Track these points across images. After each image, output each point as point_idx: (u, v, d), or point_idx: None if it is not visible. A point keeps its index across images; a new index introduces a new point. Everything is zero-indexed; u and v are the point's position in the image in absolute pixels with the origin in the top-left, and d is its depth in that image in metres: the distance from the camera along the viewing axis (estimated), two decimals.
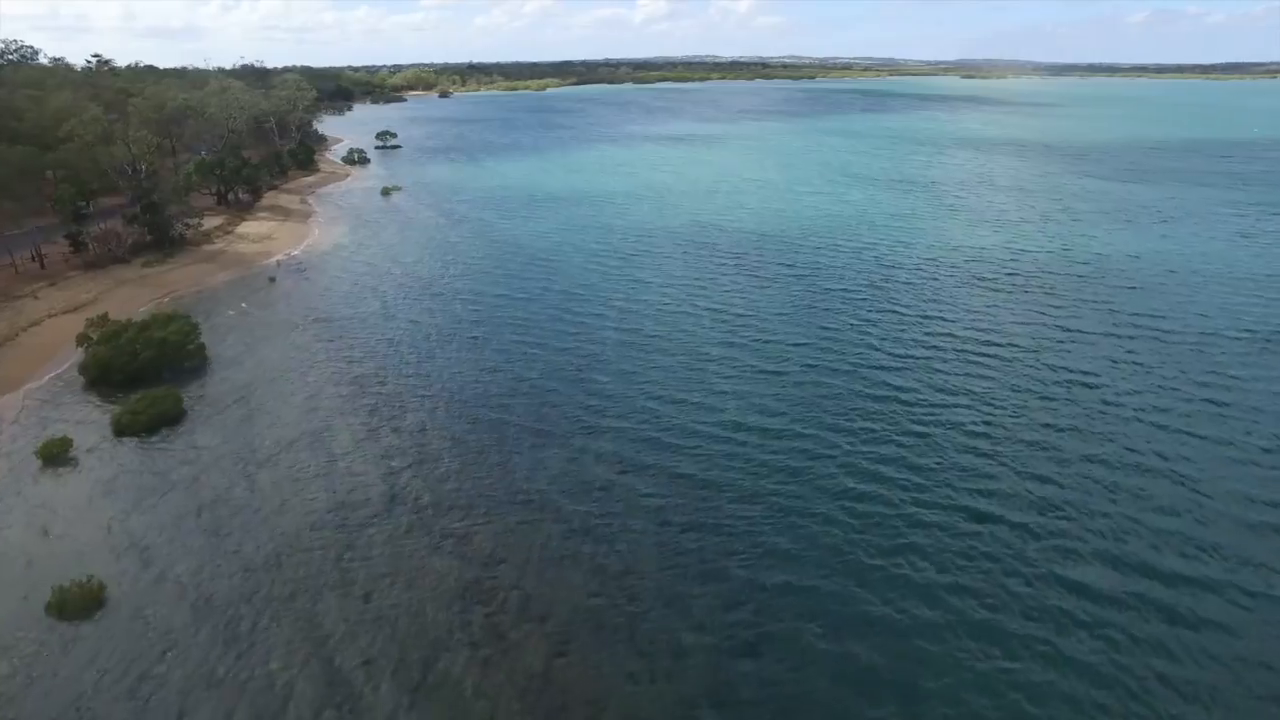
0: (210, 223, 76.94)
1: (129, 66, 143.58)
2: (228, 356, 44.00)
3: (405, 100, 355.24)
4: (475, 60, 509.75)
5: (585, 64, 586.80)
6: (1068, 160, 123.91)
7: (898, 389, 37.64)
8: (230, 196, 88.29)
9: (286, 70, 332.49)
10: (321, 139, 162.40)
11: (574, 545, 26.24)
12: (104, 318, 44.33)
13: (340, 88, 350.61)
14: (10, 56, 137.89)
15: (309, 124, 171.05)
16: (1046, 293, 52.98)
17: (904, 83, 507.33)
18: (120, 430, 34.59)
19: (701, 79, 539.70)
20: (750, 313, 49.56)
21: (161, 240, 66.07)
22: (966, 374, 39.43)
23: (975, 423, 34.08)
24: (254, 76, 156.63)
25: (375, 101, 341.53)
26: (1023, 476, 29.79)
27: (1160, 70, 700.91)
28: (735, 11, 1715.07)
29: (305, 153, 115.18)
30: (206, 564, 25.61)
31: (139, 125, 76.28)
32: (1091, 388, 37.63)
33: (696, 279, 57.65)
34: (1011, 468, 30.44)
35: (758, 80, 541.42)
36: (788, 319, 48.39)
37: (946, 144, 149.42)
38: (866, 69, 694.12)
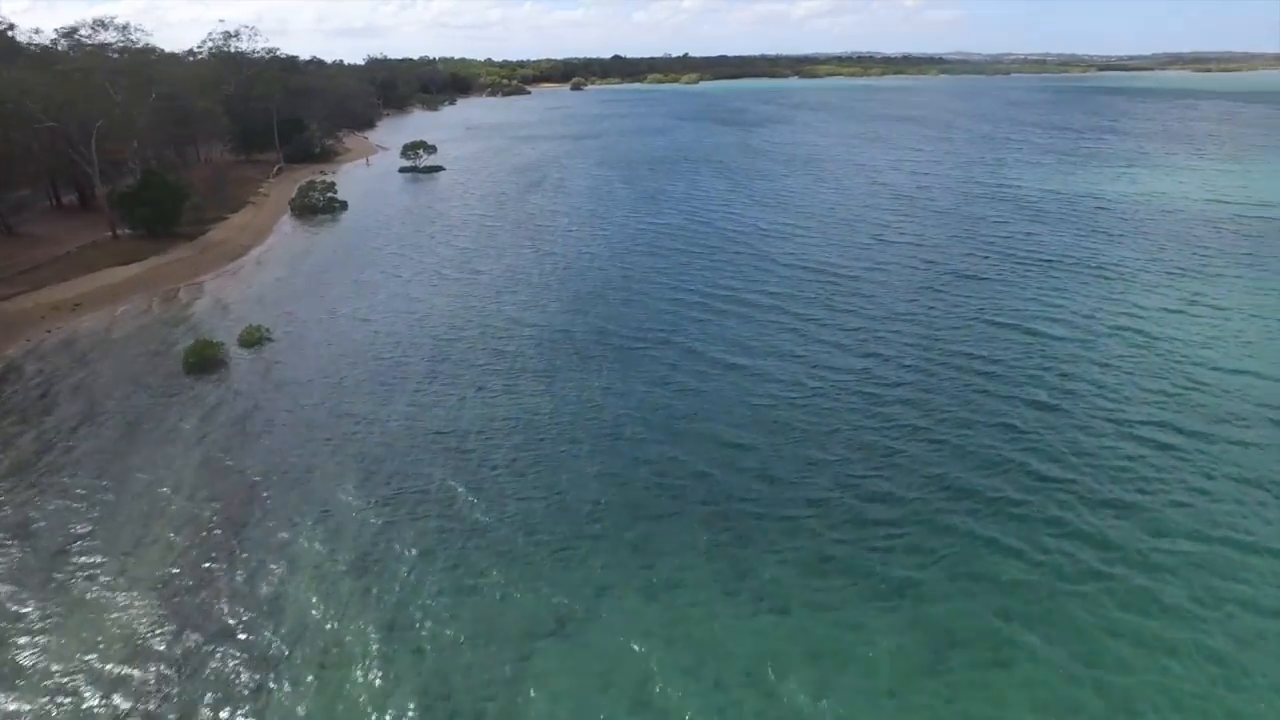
0: None
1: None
2: None
3: (529, 94, 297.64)
4: (630, 54, 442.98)
5: (741, 59, 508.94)
6: None
7: None
8: None
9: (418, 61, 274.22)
10: (333, 152, 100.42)
11: None
12: None
13: (456, 77, 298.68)
14: None
15: (367, 118, 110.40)
16: None
17: (1139, 79, 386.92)
18: None
19: (879, 74, 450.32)
20: None
21: None
22: None
23: None
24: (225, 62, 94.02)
25: (494, 95, 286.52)
26: None
27: None
28: (902, 5, 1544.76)
29: (167, 204, 50.82)
30: None
31: None
32: None
33: None
34: None
35: (942, 77, 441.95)
36: None
37: None
38: (1067, 64, 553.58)
